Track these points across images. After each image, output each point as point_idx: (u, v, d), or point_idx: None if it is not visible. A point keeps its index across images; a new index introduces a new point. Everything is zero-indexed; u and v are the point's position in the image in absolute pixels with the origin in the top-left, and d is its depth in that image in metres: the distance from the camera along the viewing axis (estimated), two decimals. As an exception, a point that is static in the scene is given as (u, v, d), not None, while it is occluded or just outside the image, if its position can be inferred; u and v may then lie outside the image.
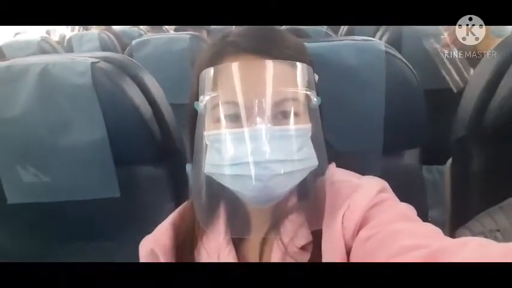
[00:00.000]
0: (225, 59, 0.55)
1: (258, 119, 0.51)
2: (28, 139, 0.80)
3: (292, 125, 0.53)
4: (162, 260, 0.63)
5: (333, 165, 0.64)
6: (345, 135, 0.76)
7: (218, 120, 0.54)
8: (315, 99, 0.57)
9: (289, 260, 0.57)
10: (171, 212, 0.68)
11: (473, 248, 0.40)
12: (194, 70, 0.59)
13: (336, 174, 0.61)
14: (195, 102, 0.56)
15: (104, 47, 2.67)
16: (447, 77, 1.09)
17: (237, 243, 0.62)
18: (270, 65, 0.52)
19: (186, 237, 0.64)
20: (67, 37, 3.09)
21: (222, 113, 0.53)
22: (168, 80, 1.19)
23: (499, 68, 0.74)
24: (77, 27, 3.31)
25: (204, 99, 0.54)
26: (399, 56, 0.76)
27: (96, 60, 0.78)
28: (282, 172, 0.51)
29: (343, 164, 0.64)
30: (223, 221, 0.61)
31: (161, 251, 0.63)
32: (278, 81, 0.52)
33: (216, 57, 0.56)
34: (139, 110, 0.79)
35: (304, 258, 0.56)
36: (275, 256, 0.58)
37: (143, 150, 0.83)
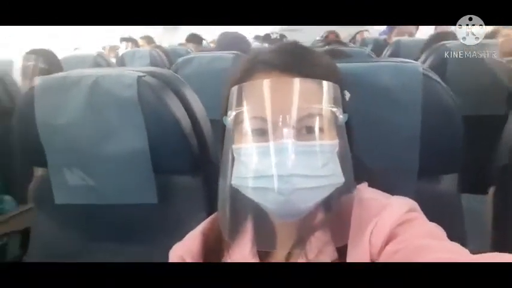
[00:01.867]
0: (254, 75, 0.58)
1: (282, 134, 0.52)
2: (76, 145, 0.86)
3: (316, 141, 0.54)
4: None
5: (364, 185, 0.64)
6: (379, 155, 0.76)
7: (245, 134, 0.56)
8: (341, 116, 0.57)
9: None
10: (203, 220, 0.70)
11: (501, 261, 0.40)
12: (226, 86, 0.62)
13: (366, 192, 0.61)
14: (224, 117, 0.59)
15: (154, 64, 2.80)
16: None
17: (263, 257, 0.63)
18: (296, 81, 0.54)
19: (214, 247, 0.66)
20: (120, 54, 3.27)
21: (248, 127, 0.55)
22: (210, 96, 1.23)
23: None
24: (130, 44, 3.51)
25: (232, 114, 0.57)
26: (437, 79, 0.76)
27: (142, 74, 0.84)
28: (304, 187, 0.52)
29: (376, 183, 0.64)
30: (249, 233, 0.62)
31: (189, 257, 0.65)
32: (303, 97, 0.54)
33: (246, 74, 0.58)
34: (180, 124, 0.83)
35: None
36: None
37: (181, 161, 0.87)
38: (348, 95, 0.63)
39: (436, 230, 0.55)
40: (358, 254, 0.54)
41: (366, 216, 0.56)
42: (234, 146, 0.57)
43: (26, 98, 0.88)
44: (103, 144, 0.85)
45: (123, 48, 3.52)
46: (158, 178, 0.86)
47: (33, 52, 1.96)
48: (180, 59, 1.71)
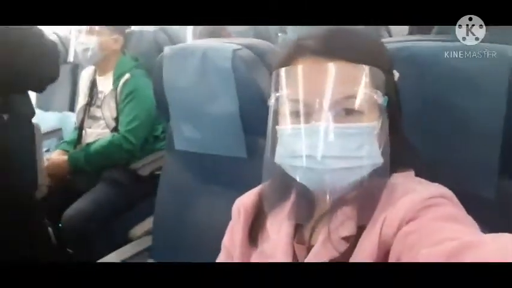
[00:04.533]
0: (295, 60, 0.62)
1: (319, 116, 0.56)
2: (189, 103, 1.07)
3: (352, 123, 0.57)
4: (241, 218, 0.75)
5: (409, 173, 0.63)
6: (450, 147, 0.72)
7: (285, 116, 0.62)
8: (380, 99, 0.58)
9: (329, 246, 0.61)
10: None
11: (503, 243, 0.42)
12: (272, 69, 0.68)
13: (401, 178, 0.61)
14: (268, 99, 0.65)
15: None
16: None
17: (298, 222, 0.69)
18: (332, 65, 0.57)
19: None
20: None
21: (287, 110, 0.61)
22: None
23: None
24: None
25: (273, 97, 0.63)
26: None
27: (238, 47, 0.96)
28: (337, 167, 0.56)
29: (426, 173, 0.63)
30: (291, 201, 0.69)
31: (243, 209, 0.75)
32: (340, 80, 0.56)
33: (287, 59, 0.63)
34: (265, 96, 0.93)
35: (343, 248, 0.60)
36: (320, 240, 0.63)
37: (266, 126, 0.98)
38: (397, 75, 0.63)
39: (460, 215, 0.54)
40: (368, 236, 0.57)
41: (388, 200, 0.58)
42: (278, 127, 0.64)
43: (157, 63, 1.12)
44: (207, 105, 1.03)
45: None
46: (248, 137, 1.01)
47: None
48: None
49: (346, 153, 0.56)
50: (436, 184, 0.60)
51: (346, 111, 0.57)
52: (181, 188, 1.16)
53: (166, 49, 1.08)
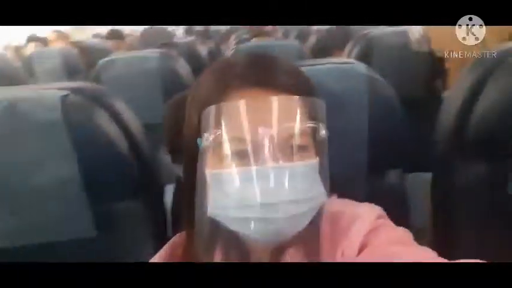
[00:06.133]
0: (229, 93, 0.52)
1: (268, 157, 0.48)
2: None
3: (303, 161, 0.50)
4: None
5: (334, 197, 0.62)
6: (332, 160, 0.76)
7: (224, 158, 0.50)
8: (323, 132, 0.53)
9: None
10: (150, 248, 0.64)
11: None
12: (193, 101, 0.55)
13: (335, 205, 0.59)
14: (198, 139, 0.53)
15: (66, 64, 2.59)
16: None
17: None
18: (277, 99, 0.49)
19: None
20: (26, 54, 2.96)
21: (228, 151, 0.49)
22: (138, 99, 1.18)
23: (474, 86, 0.74)
24: (39, 44, 3.19)
25: (210, 137, 0.51)
26: (379, 77, 0.76)
27: (66, 93, 0.73)
28: (296, 213, 0.49)
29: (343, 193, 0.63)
30: (218, 251, 0.57)
31: None
32: (286, 115, 0.49)
33: (220, 91, 0.52)
34: (114, 144, 0.75)
35: None
36: None
37: (119, 185, 0.79)
38: None
39: (403, 235, 0.55)
40: None
41: (337, 231, 0.55)
42: (212, 171, 0.51)
43: None
44: (28, 177, 0.73)
45: (31, 48, 3.17)
46: (95, 208, 0.77)
47: None
48: (100, 62, 1.56)
49: (302, 195, 0.49)
50: (368, 204, 0.61)
51: (293, 149, 0.50)
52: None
53: None
